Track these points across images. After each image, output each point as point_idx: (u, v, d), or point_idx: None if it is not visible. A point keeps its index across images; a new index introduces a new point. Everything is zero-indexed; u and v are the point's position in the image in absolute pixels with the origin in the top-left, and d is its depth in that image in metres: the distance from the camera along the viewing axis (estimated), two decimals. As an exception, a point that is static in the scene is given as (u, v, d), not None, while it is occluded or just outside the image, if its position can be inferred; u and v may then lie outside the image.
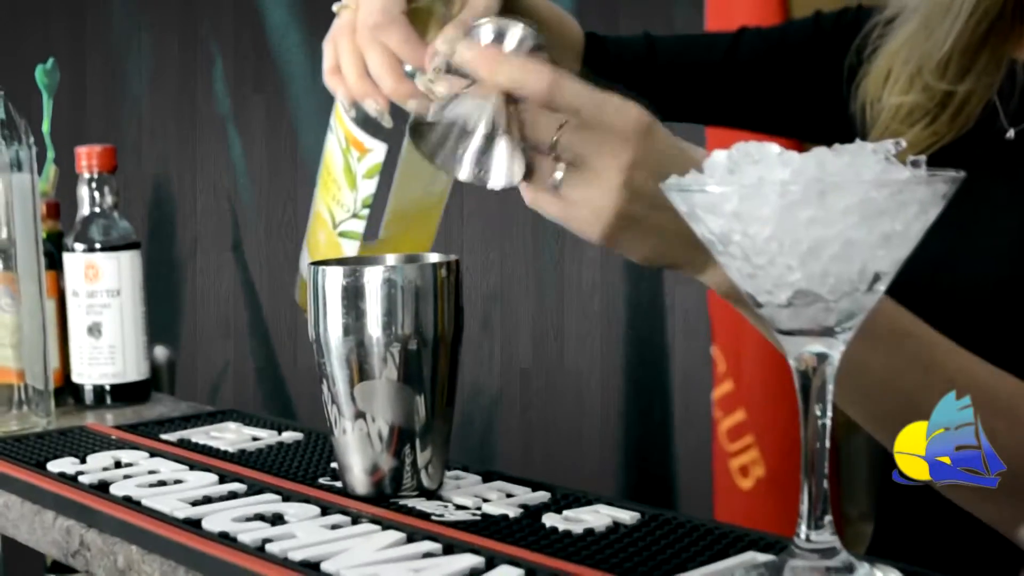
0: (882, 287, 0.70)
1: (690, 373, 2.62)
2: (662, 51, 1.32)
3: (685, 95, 1.32)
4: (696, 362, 2.58)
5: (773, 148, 0.68)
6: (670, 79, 1.32)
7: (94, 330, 1.38)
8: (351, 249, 1.04)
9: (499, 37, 0.87)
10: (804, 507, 0.73)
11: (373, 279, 0.91)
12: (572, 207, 0.85)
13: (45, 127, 1.51)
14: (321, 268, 0.93)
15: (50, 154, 1.51)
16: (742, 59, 1.31)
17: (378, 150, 1.02)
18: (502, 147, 0.85)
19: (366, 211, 1.04)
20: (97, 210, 1.38)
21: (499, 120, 0.85)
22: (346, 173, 1.03)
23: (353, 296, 0.92)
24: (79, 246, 1.37)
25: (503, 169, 0.85)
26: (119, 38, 3.51)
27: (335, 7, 0.99)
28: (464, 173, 0.86)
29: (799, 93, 1.30)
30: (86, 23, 3.58)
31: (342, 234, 1.05)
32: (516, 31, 0.88)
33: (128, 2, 3.49)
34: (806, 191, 0.65)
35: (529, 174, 0.85)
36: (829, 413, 0.72)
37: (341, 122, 1.03)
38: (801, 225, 0.66)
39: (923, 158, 0.69)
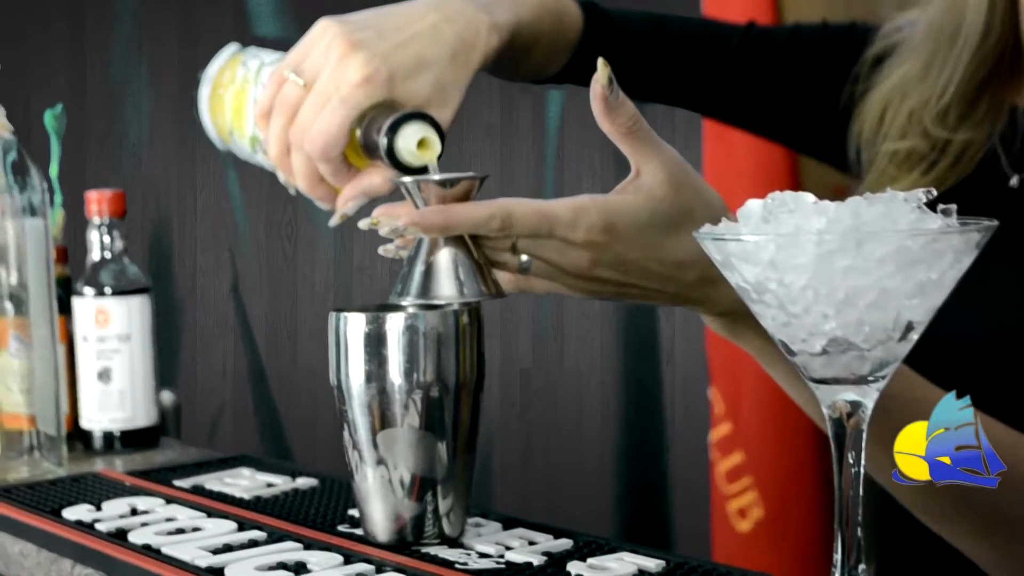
0: (915, 336, 0.70)
1: (687, 415, 2.61)
2: (670, 33, 1.28)
3: (686, 82, 1.29)
4: (693, 403, 2.57)
5: (808, 197, 0.68)
6: (673, 64, 1.28)
7: (104, 375, 1.37)
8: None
9: (450, 184, 0.90)
10: (838, 556, 0.73)
11: (395, 326, 0.91)
12: (552, 285, 0.90)
13: (53, 171, 1.51)
14: (343, 315, 0.93)
15: (58, 198, 1.51)
16: (748, 56, 1.28)
17: None
18: (446, 267, 0.89)
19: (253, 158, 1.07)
20: (107, 255, 1.38)
21: (437, 244, 0.89)
22: (251, 141, 1.05)
23: (375, 343, 0.92)
24: (89, 291, 1.37)
25: (452, 286, 0.89)
26: (117, 81, 3.51)
27: (289, 75, 0.97)
28: (411, 296, 0.90)
29: (800, 100, 1.28)
30: (84, 66, 3.58)
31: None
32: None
33: (126, 45, 3.49)
34: (843, 240, 0.65)
35: (487, 282, 0.90)
36: (863, 461, 0.72)
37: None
38: (837, 274, 0.66)
39: (953, 207, 0.69)
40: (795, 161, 2.37)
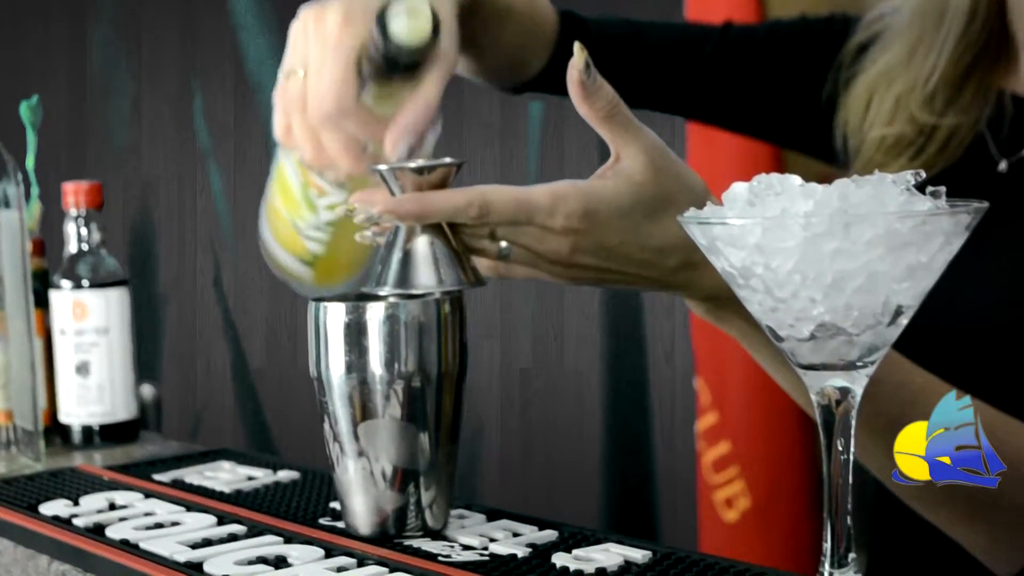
0: (905, 320, 0.69)
1: (673, 405, 2.61)
2: (648, 37, 1.27)
3: (667, 86, 1.28)
4: (679, 394, 2.56)
5: (795, 180, 0.67)
6: (653, 68, 1.27)
7: (82, 369, 1.36)
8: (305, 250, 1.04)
9: (427, 171, 0.89)
10: (827, 545, 0.71)
11: (375, 315, 0.90)
12: (532, 272, 0.89)
13: (29, 163, 1.49)
14: (322, 304, 0.91)
15: (34, 190, 1.49)
16: (727, 56, 1.27)
17: (337, 195, 1.01)
18: (424, 255, 0.88)
19: (327, 231, 1.04)
20: (84, 247, 1.36)
21: (414, 232, 0.88)
22: (306, 202, 1.02)
23: (355, 333, 0.90)
24: (66, 283, 1.35)
25: (430, 274, 0.88)
26: (98, 75, 3.49)
27: (283, 72, 0.96)
28: (389, 286, 0.89)
29: (783, 96, 1.26)
30: (65, 60, 3.56)
31: (306, 236, 1.04)
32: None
33: (107, 38, 3.47)
34: (831, 223, 0.64)
35: (466, 270, 0.89)
36: (852, 448, 0.71)
37: (298, 162, 1.01)
38: (825, 257, 0.65)
39: (943, 188, 0.68)
40: (780, 151, 2.36)
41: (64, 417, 1.37)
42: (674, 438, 2.61)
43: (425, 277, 0.88)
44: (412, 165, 0.88)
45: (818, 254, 0.64)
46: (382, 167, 0.88)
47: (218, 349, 3.28)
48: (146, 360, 3.22)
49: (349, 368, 0.90)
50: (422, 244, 0.88)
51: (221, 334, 3.27)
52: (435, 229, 0.87)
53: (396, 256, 0.88)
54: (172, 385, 3.28)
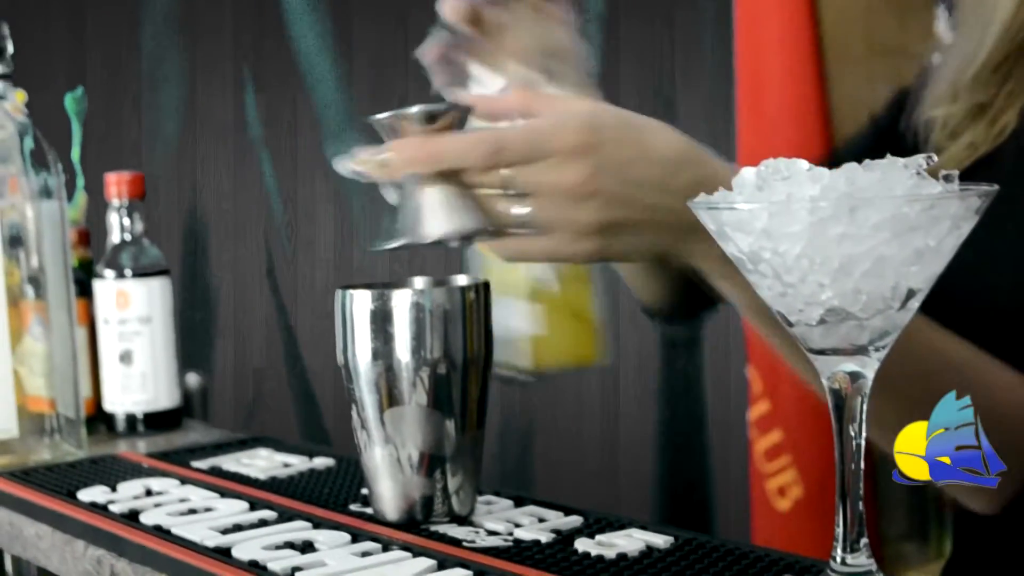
0: (916, 304, 0.68)
1: (725, 394, 2.60)
2: None
3: None
4: (731, 383, 2.56)
5: (802, 164, 0.67)
6: None
7: (126, 358, 1.37)
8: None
9: (430, 118, 0.85)
10: (839, 530, 0.71)
11: (401, 303, 0.91)
12: (554, 238, 0.86)
13: (75, 154, 1.51)
14: (349, 292, 0.92)
15: (80, 181, 1.51)
16: None
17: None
18: (439, 202, 0.85)
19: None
20: (127, 237, 1.38)
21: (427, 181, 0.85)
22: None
23: (381, 320, 0.91)
24: (109, 273, 1.37)
25: (443, 222, 0.85)
26: (148, 65, 3.53)
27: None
28: (403, 237, 0.87)
29: None
30: (115, 51, 3.59)
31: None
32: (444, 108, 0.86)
33: (157, 29, 3.50)
34: (837, 207, 0.64)
35: (493, 232, 0.86)
36: (864, 433, 0.71)
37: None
38: (832, 242, 0.65)
39: (955, 172, 0.68)
40: (832, 146, 2.34)
41: (108, 405, 1.39)
42: (726, 427, 2.61)
43: (436, 225, 0.85)
44: (414, 110, 0.85)
45: (825, 239, 0.64)
46: (382, 116, 0.85)
47: (271, 338, 3.31)
48: (198, 349, 3.26)
49: (375, 355, 0.91)
50: (433, 192, 0.85)
51: (274, 323, 3.30)
52: (448, 178, 0.84)
53: (408, 206, 0.86)
54: (225, 374, 3.31)
